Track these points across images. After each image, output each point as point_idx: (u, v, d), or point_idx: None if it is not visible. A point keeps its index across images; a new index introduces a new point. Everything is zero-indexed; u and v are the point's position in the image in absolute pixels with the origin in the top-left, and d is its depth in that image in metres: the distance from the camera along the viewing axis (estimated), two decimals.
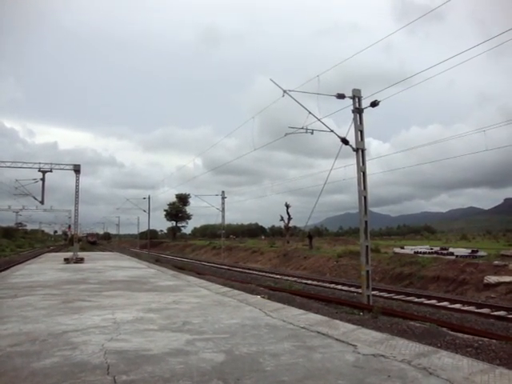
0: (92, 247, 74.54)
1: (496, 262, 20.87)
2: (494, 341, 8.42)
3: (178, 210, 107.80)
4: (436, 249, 33.15)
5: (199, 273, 25.59)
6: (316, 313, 9.37)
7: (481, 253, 27.53)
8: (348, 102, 14.22)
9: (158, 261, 35.70)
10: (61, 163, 27.78)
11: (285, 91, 14.13)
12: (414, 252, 31.53)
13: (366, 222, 13.85)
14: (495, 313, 14.33)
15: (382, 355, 5.17)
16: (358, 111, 14.08)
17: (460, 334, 9.33)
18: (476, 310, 14.76)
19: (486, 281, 19.05)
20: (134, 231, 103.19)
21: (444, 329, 9.98)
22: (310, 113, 14.23)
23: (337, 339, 6.05)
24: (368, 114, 14.65)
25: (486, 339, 8.58)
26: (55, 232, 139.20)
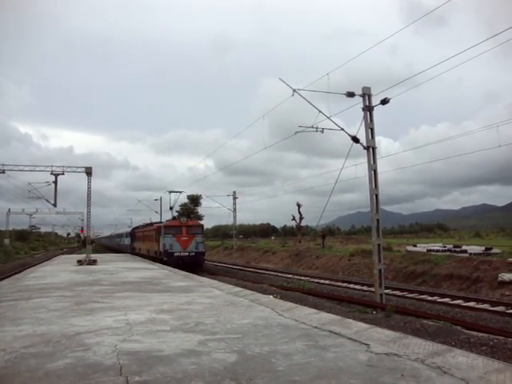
0: (105, 249, 71.75)
1: (510, 260, 20.62)
2: (509, 339, 8.33)
3: (189, 210, 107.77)
4: (449, 246, 32.92)
5: (211, 273, 25.64)
6: (328, 312, 9.33)
7: (494, 250, 27.25)
8: (357, 100, 14.18)
9: None
10: (73, 166, 28.00)
11: (294, 90, 14.10)
12: (427, 250, 31.33)
13: (377, 220, 13.77)
14: (510, 310, 14.16)
15: (396, 354, 5.13)
16: (368, 109, 14.01)
17: (474, 333, 9.23)
18: (491, 308, 14.59)
19: (500, 278, 18.82)
20: None
21: (458, 327, 9.89)
22: (319, 111, 14.19)
23: (349, 338, 6.01)
24: (378, 114, 14.57)
25: (501, 337, 8.49)
26: (68, 234, 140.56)
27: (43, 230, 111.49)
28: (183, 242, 26.91)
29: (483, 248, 28.72)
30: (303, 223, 60.47)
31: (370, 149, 13.87)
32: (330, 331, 6.49)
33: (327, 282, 23.55)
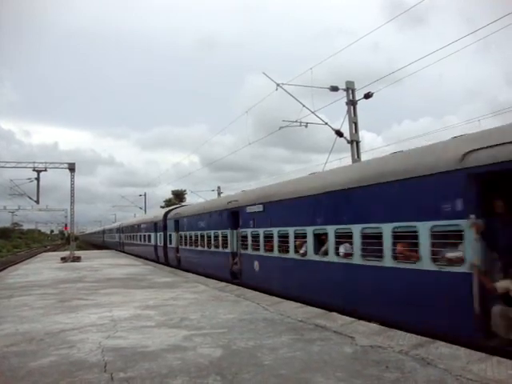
0: (88, 246, 71.98)
1: None
2: None
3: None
4: None
5: None
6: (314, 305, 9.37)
7: None
8: (341, 95, 14.26)
9: None
10: (56, 162, 27.58)
11: (278, 84, 14.11)
12: None
13: None
14: None
15: (380, 346, 5.17)
16: (352, 103, 14.07)
17: None
18: None
19: None
20: None
21: None
22: (303, 106, 14.20)
23: (335, 331, 6.05)
24: (361, 109, 14.62)
25: None
26: (52, 231, 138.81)
27: (26, 227, 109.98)
28: None
29: None
30: None
31: (354, 143, 13.94)
32: (316, 325, 6.52)
33: None
